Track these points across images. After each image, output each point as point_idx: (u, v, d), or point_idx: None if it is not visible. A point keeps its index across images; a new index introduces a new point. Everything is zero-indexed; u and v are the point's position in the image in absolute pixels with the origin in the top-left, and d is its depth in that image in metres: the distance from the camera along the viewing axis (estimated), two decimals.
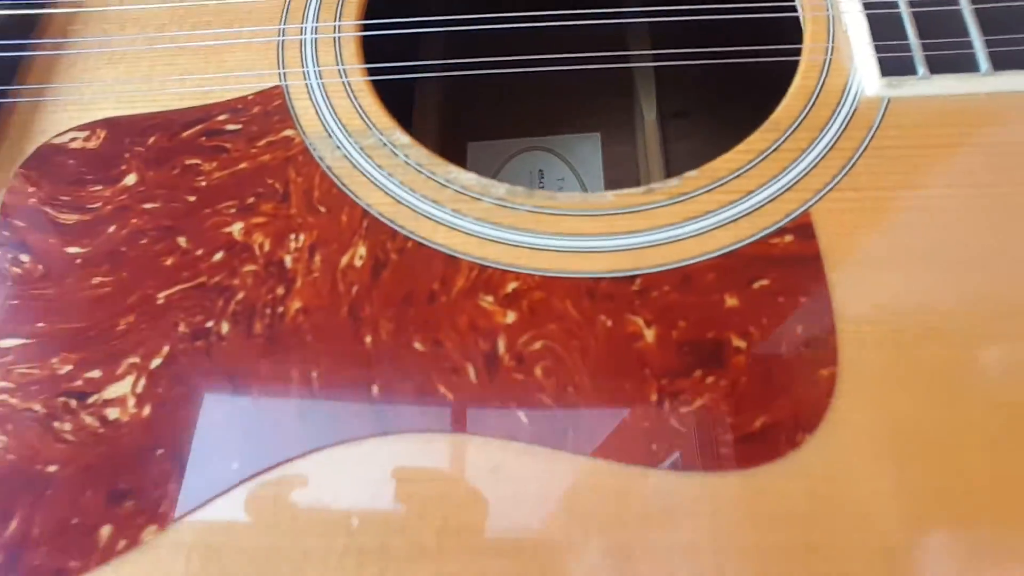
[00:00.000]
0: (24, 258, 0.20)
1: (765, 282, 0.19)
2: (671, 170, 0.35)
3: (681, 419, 0.17)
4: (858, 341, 0.18)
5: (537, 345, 0.18)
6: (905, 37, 0.21)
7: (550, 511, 0.16)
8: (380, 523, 0.17)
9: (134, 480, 0.17)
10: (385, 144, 0.21)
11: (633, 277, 0.19)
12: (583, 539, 0.16)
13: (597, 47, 0.27)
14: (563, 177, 0.37)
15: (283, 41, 0.24)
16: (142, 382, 0.18)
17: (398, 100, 0.24)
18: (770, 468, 0.17)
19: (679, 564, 0.16)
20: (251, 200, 0.21)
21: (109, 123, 0.22)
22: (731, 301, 0.18)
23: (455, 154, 0.38)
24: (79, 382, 0.19)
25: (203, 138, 0.22)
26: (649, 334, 0.18)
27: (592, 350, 0.18)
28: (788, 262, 0.19)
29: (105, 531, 0.17)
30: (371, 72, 0.23)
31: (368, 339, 0.19)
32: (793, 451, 0.17)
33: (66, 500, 0.17)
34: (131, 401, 0.18)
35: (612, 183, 0.37)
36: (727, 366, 0.18)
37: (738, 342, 0.18)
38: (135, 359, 0.19)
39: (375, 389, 0.18)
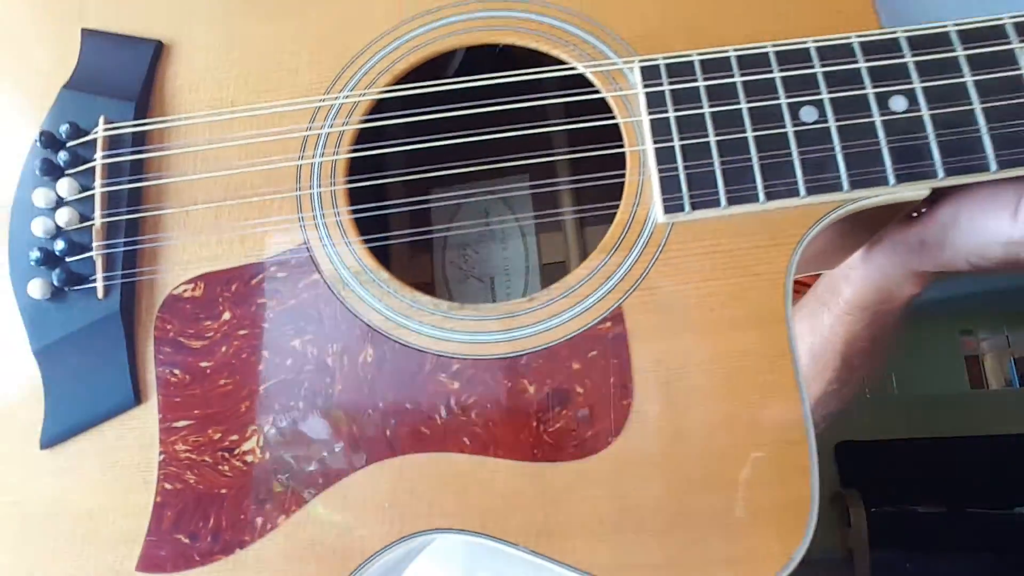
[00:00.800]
0: (176, 371, 0.36)
1: (595, 352, 0.33)
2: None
3: (548, 435, 0.33)
4: (644, 384, 0.33)
5: (472, 400, 0.33)
6: (679, 189, 0.34)
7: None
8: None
9: (270, 492, 0.33)
10: (374, 280, 0.36)
11: (521, 355, 0.34)
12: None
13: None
14: (503, 216, 0.50)
15: (300, 200, 0.37)
16: (262, 440, 0.34)
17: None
18: (596, 457, 0.32)
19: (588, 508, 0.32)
20: (301, 324, 0.35)
21: (203, 277, 0.36)
22: (576, 366, 0.33)
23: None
24: (227, 443, 0.34)
25: (266, 284, 0.36)
26: (531, 388, 0.33)
27: (501, 398, 0.33)
28: (608, 339, 0.33)
29: (260, 521, 0.33)
30: (359, 209, 0.37)
31: (381, 404, 0.34)
32: (607, 447, 0.32)
33: (236, 502, 0.33)
34: (258, 451, 0.34)
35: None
36: (571, 404, 0.33)
37: (579, 389, 0.33)
38: (255, 427, 0.34)
39: (388, 432, 0.33)
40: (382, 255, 0.37)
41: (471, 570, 0.47)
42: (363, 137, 0.38)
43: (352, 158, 0.36)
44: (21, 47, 0.41)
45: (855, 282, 0.46)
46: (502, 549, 0.32)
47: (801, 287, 0.55)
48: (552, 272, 0.49)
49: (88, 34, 0.40)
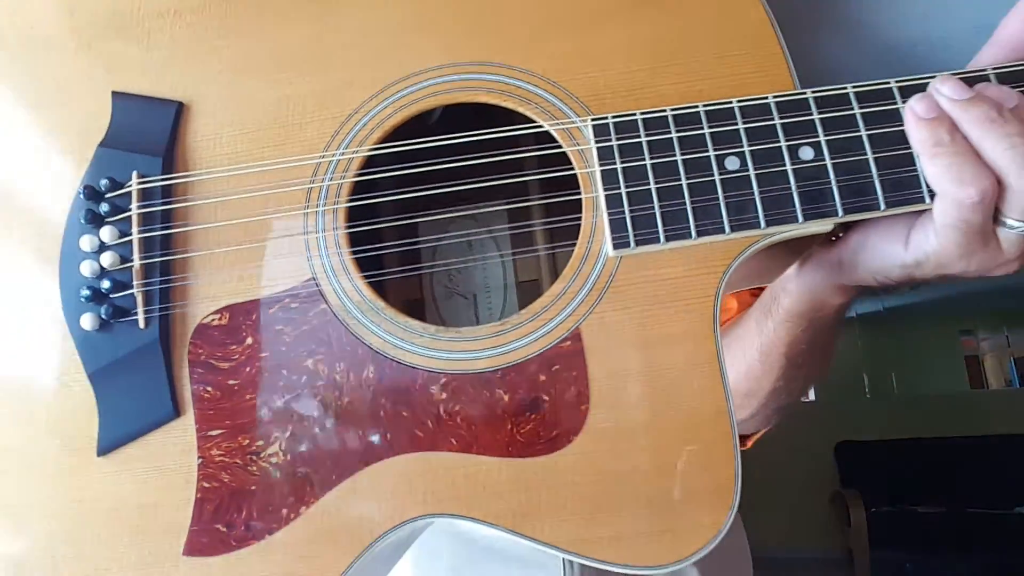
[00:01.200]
0: (208, 389, 0.42)
1: (558, 366, 0.40)
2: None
3: (521, 435, 0.40)
4: (598, 391, 0.40)
5: (457, 408, 0.40)
6: (625, 229, 0.41)
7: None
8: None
9: (299, 484, 0.40)
10: (372, 308, 0.42)
11: (497, 370, 0.41)
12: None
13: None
14: (482, 238, 0.57)
15: (307, 242, 0.44)
16: (283, 444, 0.41)
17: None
18: (560, 452, 0.39)
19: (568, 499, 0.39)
20: (312, 347, 0.42)
21: (228, 308, 0.43)
22: (542, 377, 0.40)
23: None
24: (254, 447, 0.41)
25: (281, 313, 0.43)
26: (505, 397, 0.40)
27: (481, 405, 0.40)
28: (568, 355, 0.41)
29: (285, 511, 0.40)
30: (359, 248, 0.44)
31: (382, 413, 0.41)
32: (569, 444, 0.39)
33: (264, 496, 0.40)
34: (281, 454, 0.41)
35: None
36: (539, 410, 0.40)
37: (545, 397, 0.40)
38: (277, 434, 0.41)
39: (389, 435, 0.40)
40: (378, 272, 0.43)
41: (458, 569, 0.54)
42: (359, 184, 0.44)
43: (351, 206, 0.43)
44: (59, 109, 0.47)
45: (791, 293, 0.53)
46: (483, 553, 0.39)
47: (753, 296, 0.63)
48: (527, 288, 0.56)
49: (117, 96, 0.47)
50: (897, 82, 0.42)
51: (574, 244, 0.42)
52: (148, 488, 0.41)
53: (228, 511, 0.40)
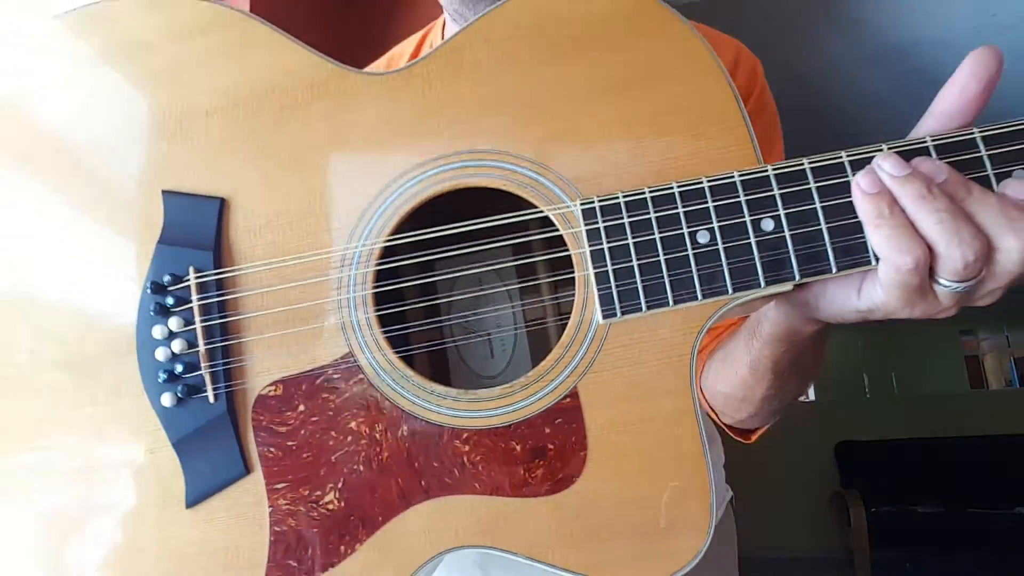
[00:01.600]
0: (272, 449, 0.51)
1: (560, 420, 0.48)
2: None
3: (531, 478, 0.48)
4: (595, 440, 0.48)
5: (478, 457, 0.49)
6: (612, 302, 0.48)
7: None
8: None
9: (353, 525, 0.49)
10: (402, 376, 0.50)
11: (509, 425, 0.49)
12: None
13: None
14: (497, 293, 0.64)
15: (343, 323, 0.51)
16: (337, 494, 0.50)
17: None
18: (565, 492, 0.48)
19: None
20: (354, 410, 0.50)
21: (281, 381, 0.51)
22: (547, 430, 0.48)
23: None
24: (313, 497, 0.50)
25: (326, 384, 0.51)
26: (517, 447, 0.48)
27: (497, 455, 0.48)
28: (568, 410, 0.48)
29: (342, 548, 0.49)
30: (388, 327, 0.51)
31: (416, 464, 0.49)
32: (572, 485, 0.48)
33: (325, 536, 0.49)
34: (336, 501, 0.50)
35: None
36: (546, 457, 0.48)
37: (551, 446, 0.48)
38: (331, 484, 0.50)
39: (423, 482, 0.49)
40: (406, 348, 0.51)
41: (484, 566, 0.64)
42: (386, 254, 0.52)
43: (376, 292, 0.50)
44: (119, 210, 0.54)
45: (771, 320, 0.59)
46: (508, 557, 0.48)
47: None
48: (535, 330, 0.64)
49: (168, 195, 0.54)
50: (848, 155, 0.47)
51: (573, 291, 0.49)
52: (230, 534, 0.50)
53: (297, 550, 0.49)
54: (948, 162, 0.46)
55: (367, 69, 0.55)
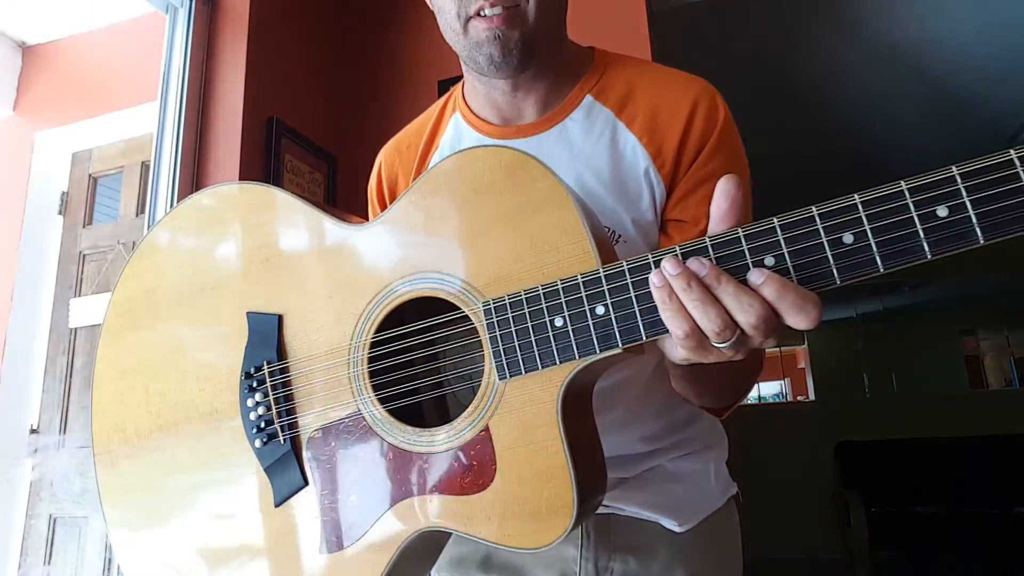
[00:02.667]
0: (318, 471, 0.83)
1: (479, 446, 0.75)
2: None
3: (465, 484, 0.76)
4: (501, 458, 0.74)
5: (435, 471, 0.77)
6: (504, 371, 0.74)
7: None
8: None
9: (361, 517, 0.80)
10: (390, 423, 0.80)
11: (450, 450, 0.77)
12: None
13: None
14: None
15: (353, 391, 0.82)
16: (354, 496, 0.81)
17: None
18: (486, 490, 0.75)
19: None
20: (362, 445, 0.81)
21: (320, 428, 0.83)
22: (472, 451, 0.76)
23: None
24: (339, 497, 0.81)
25: (344, 429, 0.82)
26: (455, 464, 0.76)
27: (445, 469, 0.77)
28: (483, 440, 0.75)
29: (359, 530, 0.80)
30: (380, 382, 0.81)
31: (399, 476, 0.79)
32: (489, 487, 0.75)
33: (347, 522, 0.81)
34: (355, 499, 0.81)
35: None
36: (472, 470, 0.75)
37: (474, 463, 0.75)
38: (352, 488, 0.81)
39: (403, 487, 0.78)
40: (398, 400, 0.81)
41: (484, 566, 0.92)
42: (381, 338, 0.82)
43: (372, 369, 0.81)
44: (225, 326, 0.89)
45: (666, 351, 0.82)
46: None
47: None
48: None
49: (251, 314, 0.88)
50: (654, 256, 0.70)
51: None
52: (302, 521, 0.83)
53: (336, 529, 0.81)
54: (720, 255, 0.67)
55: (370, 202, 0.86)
